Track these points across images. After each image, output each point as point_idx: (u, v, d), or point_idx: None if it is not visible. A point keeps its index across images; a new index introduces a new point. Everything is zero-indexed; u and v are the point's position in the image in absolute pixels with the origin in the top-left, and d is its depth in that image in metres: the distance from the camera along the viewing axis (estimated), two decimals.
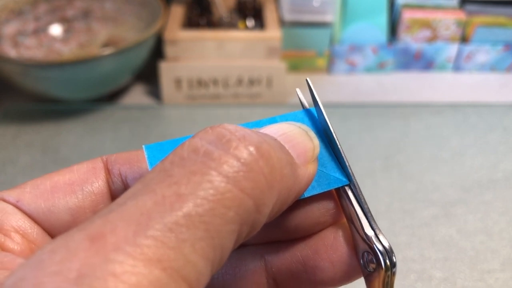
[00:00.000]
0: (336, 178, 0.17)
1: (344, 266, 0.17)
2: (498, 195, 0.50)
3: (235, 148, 0.13)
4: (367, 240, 0.16)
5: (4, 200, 0.16)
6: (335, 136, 0.18)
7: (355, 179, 0.17)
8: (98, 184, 0.17)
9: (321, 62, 0.69)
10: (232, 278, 0.18)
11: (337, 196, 0.18)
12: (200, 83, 0.62)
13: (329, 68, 0.70)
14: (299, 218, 0.18)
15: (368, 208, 0.17)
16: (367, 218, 0.17)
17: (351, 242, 0.17)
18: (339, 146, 0.18)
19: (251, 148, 0.13)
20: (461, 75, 0.71)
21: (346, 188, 0.17)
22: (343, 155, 0.17)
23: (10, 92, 0.63)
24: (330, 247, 0.17)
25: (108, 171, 0.18)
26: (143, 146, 0.17)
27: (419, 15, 0.67)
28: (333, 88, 0.67)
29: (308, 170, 0.16)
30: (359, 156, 0.55)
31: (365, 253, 0.17)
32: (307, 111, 0.19)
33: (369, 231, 0.16)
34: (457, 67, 0.71)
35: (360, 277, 0.17)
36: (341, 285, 0.18)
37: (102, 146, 0.56)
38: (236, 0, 0.67)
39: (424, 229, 0.47)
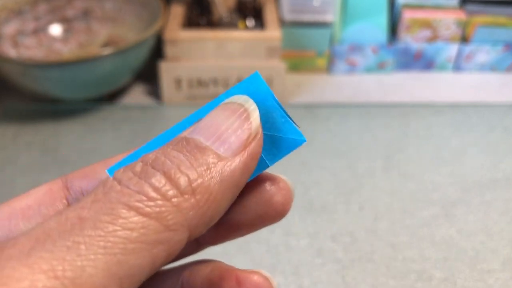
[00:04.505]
0: (294, 139, 0.18)
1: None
2: (498, 195, 0.50)
3: (137, 183, 0.14)
4: None
5: None
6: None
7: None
8: (56, 205, 0.17)
9: (321, 62, 0.69)
10: None
11: None
12: (200, 83, 0.62)
13: (329, 68, 0.70)
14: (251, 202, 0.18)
15: None
16: None
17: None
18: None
19: (154, 180, 0.14)
20: (461, 75, 0.70)
21: None
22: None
23: (10, 92, 0.63)
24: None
25: (67, 189, 0.18)
26: (106, 171, 0.17)
27: (419, 15, 0.67)
28: (333, 88, 0.67)
29: (243, 157, 0.15)
30: (359, 156, 0.55)
31: None
32: (252, 78, 0.18)
33: None
34: (457, 67, 0.71)
35: None
36: None
37: (102, 146, 0.56)
38: (236, 0, 0.67)
39: (424, 229, 0.47)
